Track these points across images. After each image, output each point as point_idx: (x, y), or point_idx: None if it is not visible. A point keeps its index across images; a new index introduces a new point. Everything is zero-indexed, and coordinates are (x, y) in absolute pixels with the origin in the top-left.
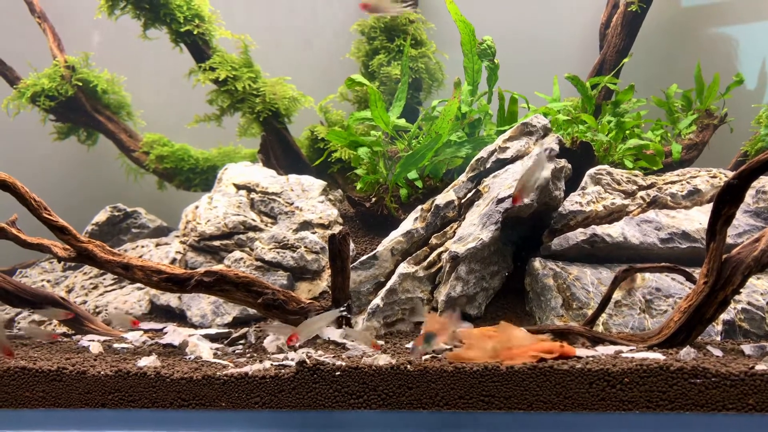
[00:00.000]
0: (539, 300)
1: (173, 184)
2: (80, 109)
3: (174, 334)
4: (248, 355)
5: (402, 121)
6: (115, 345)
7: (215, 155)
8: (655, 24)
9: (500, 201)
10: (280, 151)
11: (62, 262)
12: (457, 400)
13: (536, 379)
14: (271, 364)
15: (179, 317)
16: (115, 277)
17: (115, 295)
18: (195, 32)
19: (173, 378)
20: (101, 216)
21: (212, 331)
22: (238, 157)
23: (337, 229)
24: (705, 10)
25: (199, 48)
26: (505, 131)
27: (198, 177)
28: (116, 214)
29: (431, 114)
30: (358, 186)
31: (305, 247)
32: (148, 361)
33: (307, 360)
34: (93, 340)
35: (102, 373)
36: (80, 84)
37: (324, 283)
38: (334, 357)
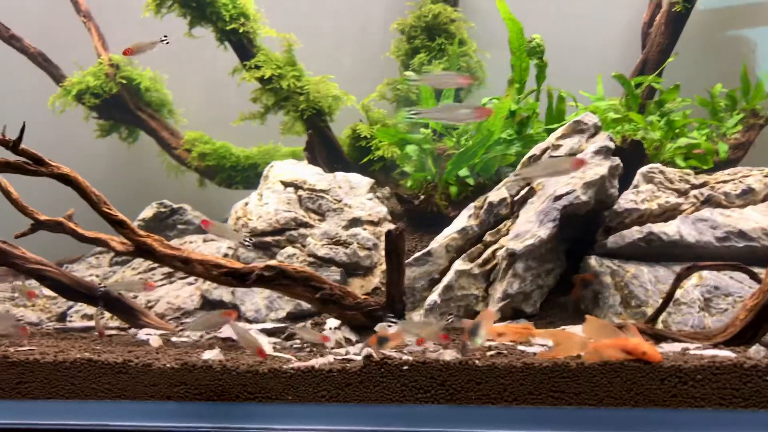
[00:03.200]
0: (596, 298)
1: (215, 181)
2: (123, 106)
3: (229, 330)
4: (308, 349)
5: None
6: (174, 339)
7: (256, 153)
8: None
9: (557, 198)
10: (322, 149)
11: (110, 257)
12: (526, 395)
13: (607, 375)
14: (335, 358)
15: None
16: (165, 272)
17: (167, 290)
18: (240, 30)
19: (239, 371)
20: (148, 212)
21: (268, 325)
22: (278, 155)
23: (387, 226)
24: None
25: (244, 46)
26: (553, 129)
27: (239, 175)
28: (162, 210)
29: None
30: (409, 183)
31: (358, 243)
32: (212, 354)
33: (374, 354)
34: (150, 334)
35: (168, 365)
36: (124, 82)
37: (376, 279)
38: (396, 351)
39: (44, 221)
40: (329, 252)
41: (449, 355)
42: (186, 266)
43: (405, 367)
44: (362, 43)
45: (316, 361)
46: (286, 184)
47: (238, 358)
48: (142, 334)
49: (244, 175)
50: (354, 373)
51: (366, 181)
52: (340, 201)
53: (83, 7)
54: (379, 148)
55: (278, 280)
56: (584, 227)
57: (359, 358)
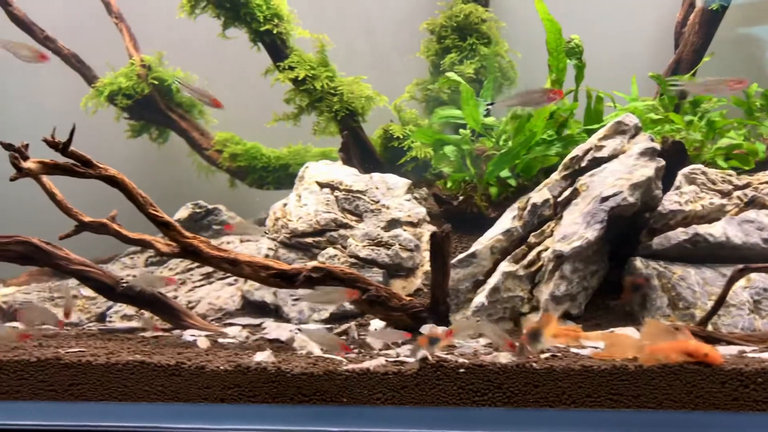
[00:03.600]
0: (643, 300)
1: (246, 182)
2: (154, 107)
3: (279, 330)
4: (356, 350)
5: (491, 119)
6: (221, 340)
7: (286, 154)
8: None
9: (604, 199)
10: (356, 150)
11: (146, 258)
12: (584, 398)
13: (666, 378)
14: (386, 360)
15: (273, 313)
16: (204, 272)
17: (207, 290)
18: (274, 31)
19: (293, 373)
20: (183, 213)
21: (313, 326)
22: (308, 156)
23: (426, 227)
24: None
25: (277, 47)
26: (592, 130)
27: (270, 175)
28: (198, 210)
29: (520, 112)
30: (448, 184)
31: (400, 244)
32: (263, 356)
33: (429, 356)
34: (195, 335)
35: (221, 368)
36: (156, 82)
37: (418, 280)
38: (448, 353)
39: (88, 223)
40: (371, 253)
41: (505, 357)
42: (234, 268)
43: (461, 370)
44: (390, 43)
45: (370, 363)
46: (322, 185)
47: (290, 359)
48: (188, 335)
49: (275, 176)
50: (410, 375)
51: (403, 182)
52: (377, 202)
53: (115, 9)
54: (412, 148)
55: (326, 281)
56: (625, 228)
57: (411, 360)
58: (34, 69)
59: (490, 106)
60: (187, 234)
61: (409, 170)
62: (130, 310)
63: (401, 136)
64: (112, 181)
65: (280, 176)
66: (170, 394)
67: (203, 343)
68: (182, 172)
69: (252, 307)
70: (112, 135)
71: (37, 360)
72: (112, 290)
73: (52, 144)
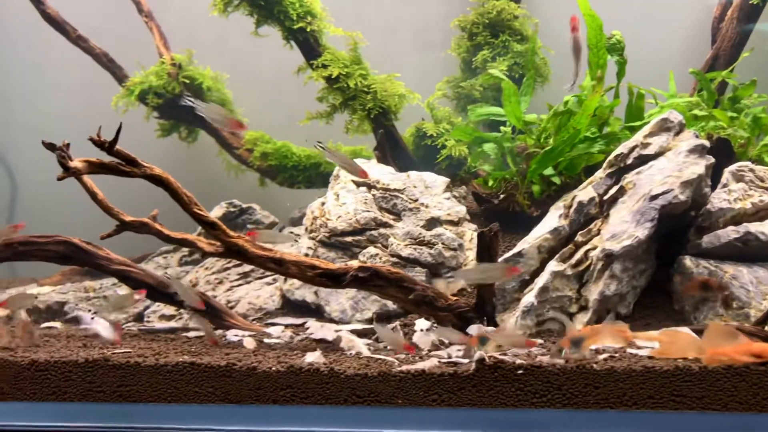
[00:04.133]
0: (694, 299)
1: (276, 181)
2: (185, 106)
3: (324, 330)
4: (421, 352)
5: (532, 116)
6: (266, 340)
7: (317, 153)
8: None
9: (654, 198)
10: (390, 148)
11: (180, 257)
12: (646, 399)
13: (731, 379)
14: (439, 361)
15: (315, 312)
16: (241, 272)
17: (246, 290)
18: (308, 29)
19: (347, 374)
20: (217, 212)
21: (359, 326)
22: None
23: (467, 226)
24: None
25: (310, 45)
26: (633, 127)
27: (301, 174)
28: (232, 210)
29: (562, 109)
30: (490, 182)
31: (443, 243)
32: (314, 357)
33: (486, 358)
34: (238, 336)
35: (273, 369)
36: (187, 81)
37: (461, 280)
38: (502, 354)
39: (129, 222)
40: (413, 252)
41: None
42: (279, 267)
43: (520, 371)
44: (420, 40)
45: (424, 364)
46: (358, 184)
47: (341, 360)
48: (231, 335)
49: (306, 175)
50: (467, 376)
51: (441, 180)
52: (416, 200)
53: (145, 8)
54: (446, 146)
55: (372, 281)
56: (672, 227)
57: (464, 361)
58: (60, 68)
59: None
60: (232, 233)
61: (442, 168)
62: (168, 310)
63: (435, 134)
64: (158, 180)
65: (311, 175)
66: (221, 395)
67: (249, 343)
68: (210, 172)
69: (292, 307)
70: (140, 134)
71: (85, 361)
72: (153, 290)
73: (98, 143)
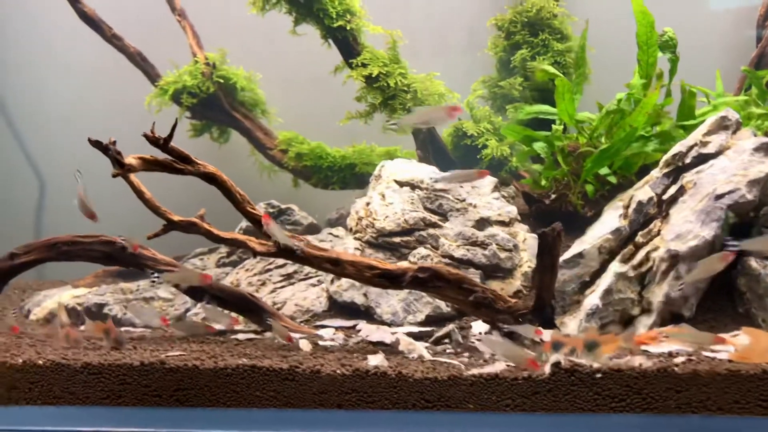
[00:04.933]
0: (762, 301)
1: (310, 182)
2: (218, 106)
3: (380, 332)
4: (466, 354)
5: (585, 114)
6: (321, 343)
7: (351, 153)
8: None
9: (719, 197)
10: (432, 147)
11: (217, 258)
12: (731, 404)
13: None
14: (507, 365)
15: (363, 314)
16: (284, 273)
17: (291, 291)
18: (347, 28)
19: (415, 378)
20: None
21: (415, 329)
22: (373, 155)
23: (518, 226)
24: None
25: (349, 44)
26: (686, 126)
27: (336, 175)
28: (270, 210)
29: (614, 107)
30: (542, 182)
31: (497, 244)
32: (378, 360)
33: (562, 361)
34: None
35: (338, 372)
36: (221, 81)
37: (517, 282)
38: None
39: (177, 222)
40: (466, 253)
41: (643, 361)
42: (336, 267)
43: (598, 375)
44: (456, 39)
45: (494, 367)
46: (401, 184)
47: (405, 363)
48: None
49: (341, 176)
50: (542, 381)
51: (489, 180)
52: (463, 200)
53: (178, 6)
54: (487, 146)
55: (432, 282)
56: (732, 226)
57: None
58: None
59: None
60: (286, 233)
61: (483, 168)
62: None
63: (475, 134)
64: (211, 178)
65: (345, 176)
66: (283, 399)
67: (305, 345)
68: (241, 172)
69: (339, 308)
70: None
71: (141, 364)
72: (200, 291)
73: (153, 140)
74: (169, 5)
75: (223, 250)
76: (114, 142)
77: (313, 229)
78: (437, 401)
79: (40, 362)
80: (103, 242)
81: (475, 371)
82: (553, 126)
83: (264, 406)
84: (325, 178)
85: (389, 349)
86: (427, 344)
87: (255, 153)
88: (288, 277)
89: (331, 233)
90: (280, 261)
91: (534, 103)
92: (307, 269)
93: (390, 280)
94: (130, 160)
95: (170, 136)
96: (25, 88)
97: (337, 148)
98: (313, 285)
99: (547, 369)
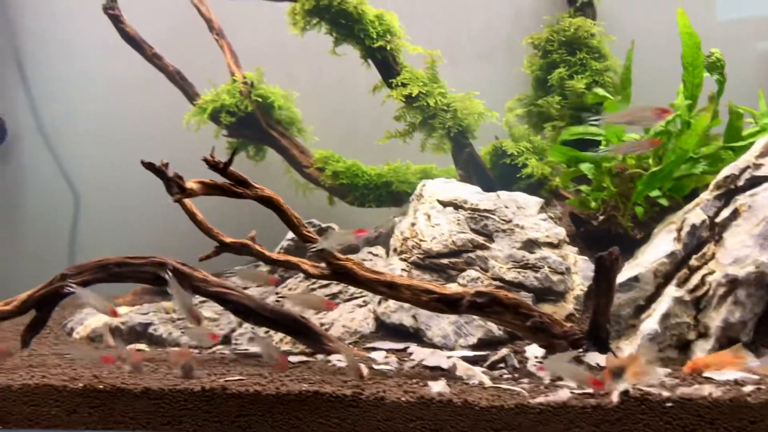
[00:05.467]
0: None
1: (346, 200)
2: (255, 124)
3: (436, 357)
4: (526, 380)
5: (634, 136)
6: (375, 366)
7: (386, 171)
8: None
9: None
10: (473, 166)
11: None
12: None
13: None
14: (571, 392)
15: (412, 337)
16: (329, 293)
17: (339, 312)
18: (388, 48)
19: (481, 406)
20: None
21: (468, 353)
22: (409, 173)
23: (567, 248)
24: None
25: (389, 64)
26: (735, 148)
27: (372, 193)
28: (311, 229)
29: (661, 128)
30: (592, 204)
31: (549, 267)
32: (440, 387)
33: (630, 389)
34: (342, 361)
35: (403, 399)
36: (259, 99)
37: (569, 305)
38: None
39: (229, 243)
40: (518, 276)
41: (713, 389)
42: (391, 291)
43: (669, 404)
44: (489, 58)
45: (560, 396)
46: (444, 204)
47: (468, 390)
48: (334, 360)
49: (377, 194)
50: (611, 409)
51: (535, 201)
52: (509, 221)
53: (216, 25)
54: (527, 164)
55: (491, 307)
56: None
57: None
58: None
59: (596, 122)
60: (340, 256)
61: (521, 188)
62: (259, 331)
63: (515, 153)
64: (267, 202)
65: (381, 194)
66: (348, 426)
67: (362, 370)
68: (276, 189)
69: (386, 330)
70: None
71: (202, 389)
72: (253, 312)
73: (213, 164)
74: (207, 25)
75: (264, 269)
76: (166, 165)
77: (352, 248)
78: (504, 429)
79: (101, 387)
80: (154, 264)
81: (542, 399)
82: (601, 147)
83: None
84: (361, 196)
85: (446, 374)
86: (483, 369)
87: (290, 171)
88: (332, 297)
89: (370, 252)
90: (324, 281)
91: (571, 121)
92: (351, 290)
93: (447, 304)
94: (190, 184)
95: (230, 161)
96: (60, 104)
97: (372, 166)
98: (360, 306)
99: (615, 397)
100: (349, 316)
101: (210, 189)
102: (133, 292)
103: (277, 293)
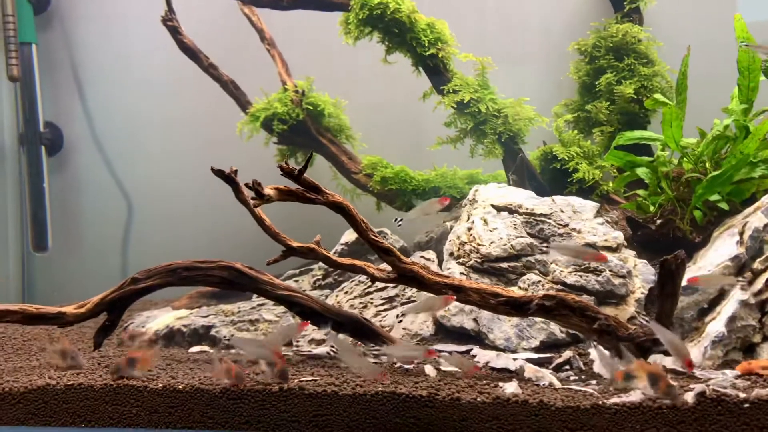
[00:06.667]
0: None
1: (395, 206)
2: (305, 132)
3: (503, 359)
4: (594, 382)
5: (691, 140)
6: (443, 368)
7: (434, 177)
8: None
9: None
10: (525, 171)
11: (313, 280)
12: None
13: None
14: (644, 393)
15: (473, 339)
16: (385, 297)
17: (397, 315)
18: (439, 55)
19: (557, 406)
20: (350, 236)
21: (532, 355)
22: (456, 178)
23: (625, 252)
24: None
25: (440, 71)
26: None
27: (420, 198)
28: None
29: (719, 132)
30: (651, 208)
31: (610, 270)
32: (513, 388)
33: (707, 390)
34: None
35: (479, 399)
36: (310, 107)
37: (631, 308)
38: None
39: (296, 248)
40: (579, 279)
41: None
42: (458, 294)
43: (746, 405)
44: (535, 64)
45: (634, 397)
46: (498, 209)
47: (540, 392)
48: (398, 362)
49: (425, 199)
50: (687, 410)
51: (591, 205)
52: (565, 226)
53: (267, 35)
54: (578, 169)
55: (558, 310)
56: None
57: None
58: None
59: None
60: (407, 260)
61: (573, 192)
62: (318, 334)
63: (565, 158)
64: (338, 208)
65: (429, 199)
66: (423, 426)
67: (431, 371)
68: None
69: (446, 333)
70: (249, 159)
71: (280, 390)
72: (319, 315)
73: (288, 171)
74: (259, 35)
75: (318, 272)
76: (236, 171)
77: (403, 253)
78: (580, 430)
79: (180, 387)
80: (222, 267)
81: (616, 400)
82: (658, 152)
83: None
84: (409, 202)
85: (514, 375)
86: (549, 371)
87: (337, 177)
88: (389, 300)
89: (422, 257)
90: (381, 284)
91: (619, 126)
92: (409, 293)
93: (515, 307)
94: (268, 190)
95: (305, 167)
96: (114, 113)
97: (419, 172)
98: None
99: (691, 398)
100: (408, 318)
101: (285, 195)
102: (188, 296)
103: (328, 296)
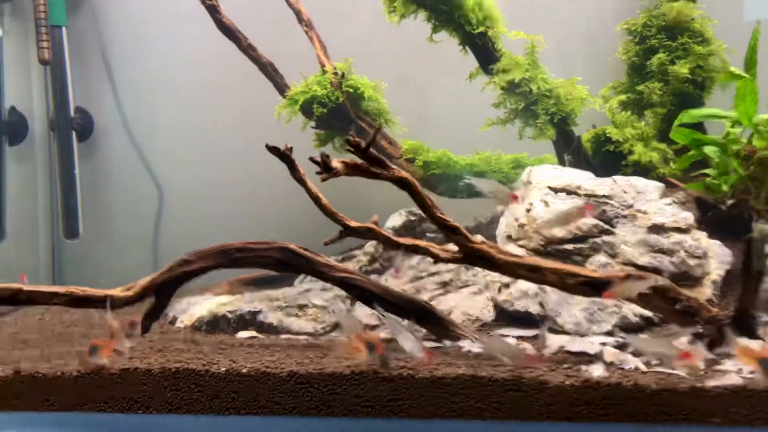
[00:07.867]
0: None
1: (437, 191)
2: (344, 116)
3: (580, 343)
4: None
5: (763, 116)
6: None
7: (478, 161)
8: None
9: None
10: (581, 152)
11: (362, 267)
12: None
13: None
14: (740, 376)
15: (536, 323)
16: (439, 281)
17: (456, 300)
18: (488, 33)
19: (653, 389)
20: (396, 220)
21: (609, 339)
22: (501, 162)
23: (696, 233)
24: None
25: (488, 50)
26: None
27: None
28: (412, 218)
29: None
30: (724, 188)
31: (685, 251)
32: (599, 371)
33: None
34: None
35: (567, 383)
36: (351, 90)
37: (707, 290)
38: None
39: (355, 227)
40: (652, 261)
41: None
42: (534, 274)
43: None
44: (583, 45)
45: (735, 379)
46: (556, 190)
47: (629, 375)
48: (466, 345)
49: (469, 184)
50: None
51: (654, 185)
52: (629, 206)
53: (305, 17)
54: (633, 152)
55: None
56: None
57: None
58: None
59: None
60: (475, 239)
61: (627, 175)
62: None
63: (620, 140)
64: (404, 184)
65: (473, 184)
66: (507, 411)
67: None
68: (356, 181)
69: (508, 318)
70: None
71: (351, 373)
72: (378, 298)
73: (355, 144)
74: (296, 16)
75: (363, 257)
76: (291, 149)
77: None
78: (677, 414)
79: (244, 371)
80: (277, 249)
81: (716, 382)
82: (728, 129)
83: (486, 419)
84: (453, 187)
85: (593, 359)
86: (627, 355)
87: None
88: (444, 284)
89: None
90: (433, 268)
91: (672, 108)
92: (464, 276)
93: (594, 288)
94: (335, 164)
95: (372, 141)
96: (145, 99)
97: (461, 156)
98: (475, 293)
99: None
100: (467, 303)
101: (351, 169)
102: (228, 282)
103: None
